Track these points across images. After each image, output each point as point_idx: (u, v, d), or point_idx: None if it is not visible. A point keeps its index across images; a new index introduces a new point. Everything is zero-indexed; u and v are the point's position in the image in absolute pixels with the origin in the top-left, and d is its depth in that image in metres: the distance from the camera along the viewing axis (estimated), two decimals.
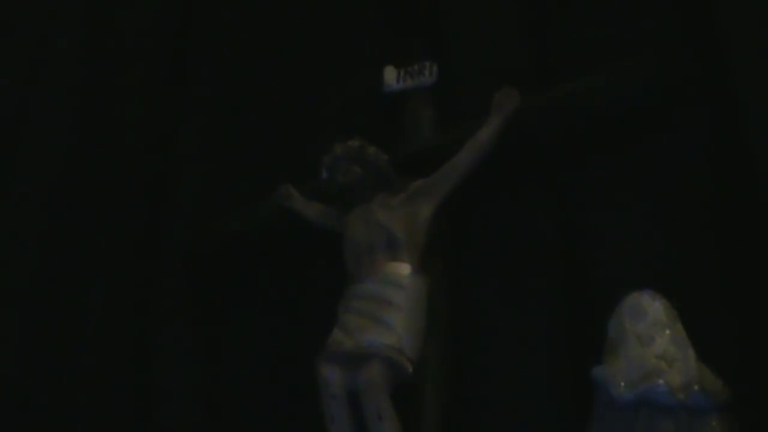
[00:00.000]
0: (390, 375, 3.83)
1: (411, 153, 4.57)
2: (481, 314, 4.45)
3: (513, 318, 4.37)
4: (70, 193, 5.50)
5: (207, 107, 5.81)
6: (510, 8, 4.94)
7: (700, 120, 4.18)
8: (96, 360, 5.21)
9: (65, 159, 5.60)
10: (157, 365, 5.27)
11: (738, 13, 3.99)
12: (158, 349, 5.30)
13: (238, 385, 5.19)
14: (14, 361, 5.09)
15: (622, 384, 3.36)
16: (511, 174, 4.52)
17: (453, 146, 4.23)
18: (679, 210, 4.14)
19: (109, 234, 5.48)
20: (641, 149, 4.30)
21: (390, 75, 4.83)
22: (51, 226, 5.41)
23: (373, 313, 3.92)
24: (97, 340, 5.27)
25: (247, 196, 5.27)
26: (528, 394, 4.23)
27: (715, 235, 4.05)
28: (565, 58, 4.68)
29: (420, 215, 4.15)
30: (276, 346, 5.14)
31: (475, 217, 4.63)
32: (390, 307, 3.92)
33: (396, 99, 4.85)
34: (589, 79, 4.23)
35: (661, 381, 3.32)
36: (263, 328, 5.24)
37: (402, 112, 4.83)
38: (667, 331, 3.44)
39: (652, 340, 3.42)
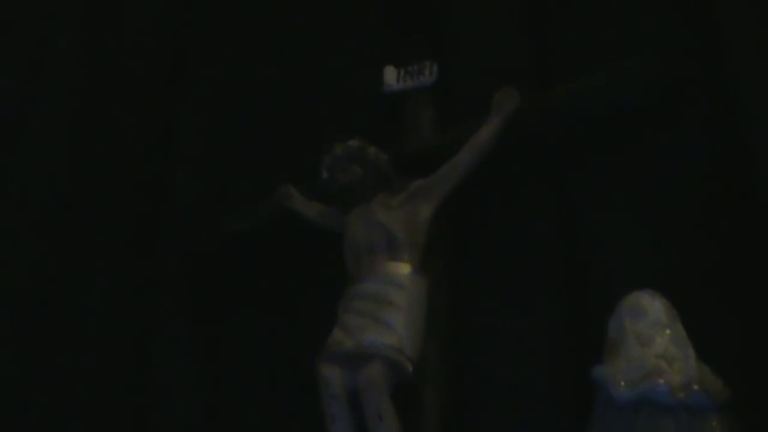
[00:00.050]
0: (390, 375, 3.83)
1: (411, 153, 4.57)
2: (481, 314, 4.45)
3: (513, 318, 4.37)
4: (70, 193, 5.50)
5: (207, 107, 5.81)
6: (510, 8, 4.94)
7: (700, 120, 4.18)
8: (96, 360, 5.21)
9: (65, 159, 5.59)
10: (157, 365, 5.27)
11: (738, 13, 4.00)
12: (158, 349, 5.30)
13: (238, 385, 5.19)
14: (14, 361, 5.08)
15: (622, 383, 3.36)
16: (511, 174, 4.52)
17: (453, 146, 4.24)
18: (679, 210, 4.14)
19: (109, 234, 5.47)
20: (641, 149, 4.30)
21: (390, 75, 4.83)
22: (51, 226, 5.41)
23: (374, 313, 3.92)
24: (97, 340, 5.27)
25: (247, 196, 5.27)
26: (528, 394, 4.23)
27: (715, 235, 4.05)
28: (565, 58, 4.68)
29: (420, 215, 4.15)
30: (276, 346, 5.14)
31: (475, 217, 4.63)
32: (390, 306, 3.92)
33: (396, 99, 4.85)
34: (589, 79, 4.23)
35: (661, 380, 3.32)
36: (263, 328, 5.24)
37: (402, 112, 4.83)
38: (667, 331, 3.44)
39: (652, 340, 3.42)
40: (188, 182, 5.63)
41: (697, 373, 3.35)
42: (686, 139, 4.18)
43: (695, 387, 3.31)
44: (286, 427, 4.84)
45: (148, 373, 5.25)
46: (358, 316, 3.96)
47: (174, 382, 5.21)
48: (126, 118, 5.74)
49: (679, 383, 3.31)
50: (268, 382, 5.07)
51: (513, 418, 4.21)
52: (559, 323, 4.30)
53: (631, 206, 4.27)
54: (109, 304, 5.36)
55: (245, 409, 5.09)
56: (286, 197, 4.72)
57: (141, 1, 6.11)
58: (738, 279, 3.92)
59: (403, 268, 4.03)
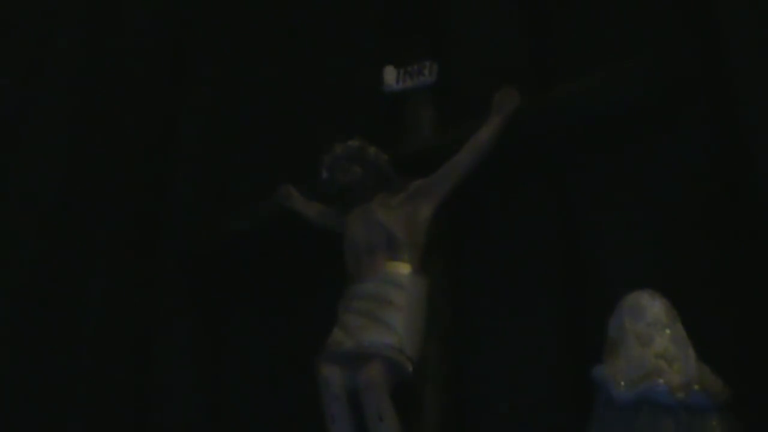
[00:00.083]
0: (390, 375, 3.83)
1: (411, 153, 4.58)
2: (481, 314, 4.45)
3: (513, 318, 4.37)
4: (70, 192, 5.50)
5: (207, 107, 5.81)
6: (510, 8, 4.94)
7: (700, 120, 4.18)
8: (96, 360, 5.21)
9: (65, 159, 5.60)
10: (157, 365, 5.27)
11: (738, 13, 3.99)
12: (158, 349, 5.30)
13: (238, 385, 5.19)
14: (14, 361, 5.08)
15: (622, 383, 3.36)
16: (511, 174, 4.52)
17: (453, 146, 4.23)
18: (678, 210, 4.14)
19: (109, 234, 5.48)
20: (641, 149, 4.30)
21: (390, 75, 4.83)
22: (51, 226, 5.41)
23: (374, 313, 3.91)
24: (97, 340, 5.27)
25: (247, 196, 5.27)
26: (528, 394, 4.23)
27: (715, 235, 4.05)
28: (565, 58, 4.68)
29: (420, 215, 4.15)
30: (276, 346, 5.14)
31: (475, 217, 4.63)
32: (390, 306, 3.92)
33: (396, 99, 4.85)
34: (589, 79, 4.24)
35: (661, 380, 3.31)
36: (263, 328, 5.24)
37: (402, 112, 4.83)
38: (667, 331, 3.44)
39: (652, 340, 3.42)
40: (188, 182, 5.63)
41: (697, 373, 3.34)
42: (686, 139, 4.18)
43: (695, 387, 3.31)
44: (286, 427, 4.84)
45: (148, 373, 5.25)
46: (358, 316, 3.96)
47: (174, 382, 5.21)
48: (126, 118, 5.74)
49: (679, 383, 3.31)
50: (268, 382, 5.07)
51: (513, 418, 4.21)
52: (559, 323, 4.30)
53: (631, 206, 4.27)
54: (109, 304, 5.36)
55: (245, 410, 5.09)
56: (286, 197, 4.72)
57: (141, 1, 6.11)
58: (738, 279, 3.92)
59: (403, 268, 4.03)
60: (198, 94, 5.85)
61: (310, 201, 4.65)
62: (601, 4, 4.62)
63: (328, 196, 4.54)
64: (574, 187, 4.51)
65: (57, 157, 5.59)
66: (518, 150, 4.34)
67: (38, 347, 5.13)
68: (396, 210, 4.17)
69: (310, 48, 5.59)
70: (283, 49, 5.70)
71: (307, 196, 4.67)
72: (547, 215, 4.52)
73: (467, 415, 4.31)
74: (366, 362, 3.82)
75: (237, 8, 5.98)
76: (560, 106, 4.29)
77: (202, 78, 5.90)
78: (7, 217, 5.41)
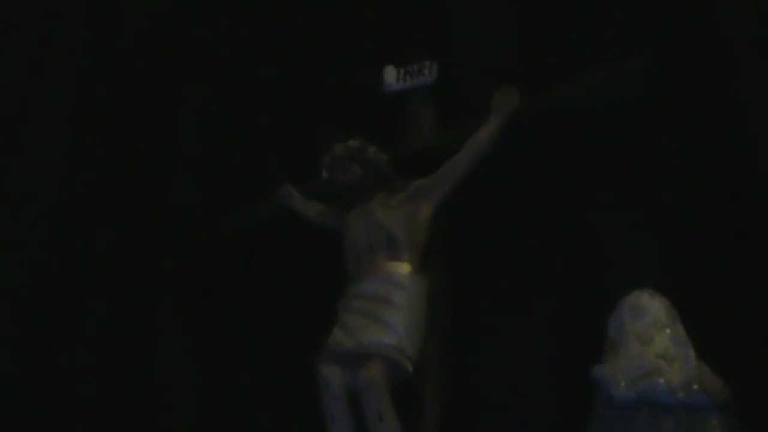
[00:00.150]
0: (390, 375, 3.83)
1: (411, 153, 4.58)
2: (481, 314, 4.45)
3: (513, 318, 4.37)
4: (70, 193, 5.49)
5: (207, 107, 5.81)
6: (510, 8, 4.94)
7: (699, 120, 4.18)
8: (96, 360, 5.21)
9: (65, 159, 5.59)
10: (157, 365, 5.27)
11: (738, 13, 3.99)
12: (158, 349, 5.30)
13: (238, 385, 5.19)
14: (14, 361, 5.08)
15: (622, 383, 3.36)
16: (511, 174, 4.52)
17: (453, 146, 4.24)
18: (678, 210, 4.14)
19: (109, 234, 5.48)
20: (641, 149, 4.30)
21: (390, 75, 4.83)
22: (51, 226, 5.41)
23: (374, 313, 3.92)
24: (97, 340, 5.27)
25: (247, 196, 5.27)
26: (528, 394, 4.23)
27: (715, 235, 4.05)
28: (565, 58, 4.69)
29: (420, 215, 4.15)
30: (276, 346, 5.14)
31: (475, 217, 4.63)
32: (390, 306, 3.92)
33: (396, 99, 4.85)
34: (589, 79, 4.24)
35: (661, 380, 3.32)
36: (263, 328, 5.24)
37: (402, 112, 4.83)
38: (667, 330, 3.44)
39: (651, 339, 3.42)
40: (188, 182, 5.63)
41: (697, 372, 3.35)
42: (686, 139, 4.18)
43: (695, 386, 3.31)
44: (286, 427, 4.84)
45: (148, 373, 5.25)
46: (358, 315, 3.96)
47: (174, 382, 5.21)
48: (126, 118, 5.74)
49: (679, 383, 3.32)
50: (268, 382, 5.07)
51: (513, 418, 4.21)
52: (559, 323, 4.30)
53: (631, 206, 4.28)
54: (109, 304, 5.36)
55: (245, 410, 5.09)
56: (286, 197, 4.72)
57: (141, 1, 6.11)
58: (738, 279, 3.93)
59: (403, 268, 4.03)
60: (198, 94, 5.85)
61: (310, 201, 4.65)
62: (601, 4, 4.62)
63: (328, 196, 4.54)
64: (574, 187, 4.51)
65: (57, 157, 5.59)
66: (518, 150, 4.35)
67: (38, 347, 5.12)
68: (396, 210, 4.17)
69: (309, 48, 5.59)
70: (283, 49, 5.70)
71: (307, 196, 4.68)
72: (547, 215, 4.52)
73: (467, 415, 4.31)
74: (366, 362, 3.82)
75: (237, 8, 5.98)
76: (560, 106, 4.29)
77: (202, 78, 5.90)
78: (7, 217, 5.41)
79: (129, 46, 5.94)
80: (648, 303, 3.51)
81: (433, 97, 4.80)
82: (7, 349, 5.10)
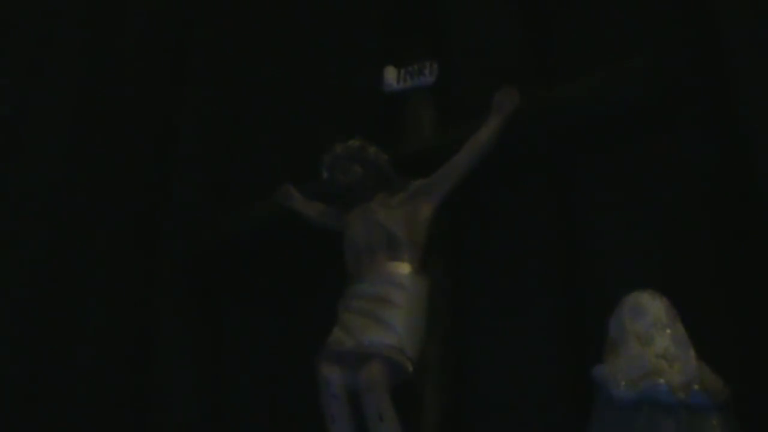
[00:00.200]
0: (390, 375, 3.82)
1: (411, 153, 4.57)
2: (481, 314, 4.45)
3: (513, 318, 4.37)
4: (70, 193, 5.50)
5: (207, 107, 5.81)
6: (510, 8, 4.94)
7: (700, 120, 4.18)
8: (96, 360, 5.21)
9: (65, 159, 5.60)
10: (157, 365, 5.27)
11: (738, 13, 4.00)
12: (158, 349, 5.30)
13: (238, 385, 5.19)
14: (14, 361, 5.09)
15: (623, 383, 3.36)
16: (511, 174, 4.52)
17: (453, 146, 4.23)
18: (679, 210, 4.15)
19: (109, 234, 5.48)
20: (641, 149, 4.30)
21: (390, 75, 4.83)
22: (51, 226, 5.41)
23: (374, 313, 3.91)
24: (97, 340, 5.27)
25: (247, 196, 5.27)
26: (528, 394, 4.23)
27: (715, 235, 4.05)
28: (565, 58, 4.69)
29: (420, 215, 4.15)
30: (276, 346, 5.14)
31: (475, 217, 4.63)
32: (390, 306, 3.92)
33: (396, 99, 4.85)
34: (590, 79, 4.23)
35: (661, 380, 3.32)
36: (263, 328, 5.25)
37: (402, 112, 4.83)
38: (668, 331, 3.44)
39: (652, 340, 3.42)
40: (188, 182, 5.63)
41: (698, 372, 3.35)
42: (686, 139, 4.19)
43: (695, 386, 3.31)
44: (286, 427, 4.85)
45: (148, 373, 5.25)
46: (358, 315, 3.95)
47: (174, 382, 5.21)
48: (126, 118, 5.74)
49: (680, 383, 3.32)
50: (268, 382, 5.07)
51: (513, 418, 4.21)
52: (559, 323, 4.30)
53: (631, 206, 4.28)
54: (109, 304, 5.36)
55: (245, 409, 5.09)
56: (286, 197, 4.72)
57: (141, 1, 6.11)
58: (738, 279, 3.93)
59: (403, 268, 4.03)
60: (198, 94, 5.85)
61: (310, 201, 4.65)
62: (601, 4, 4.62)
63: (328, 196, 4.54)
64: (574, 187, 4.51)
65: (57, 157, 5.59)
66: (518, 150, 4.34)
67: (38, 347, 5.13)
68: (396, 210, 4.17)
69: (310, 48, 5.59)
70: (283, 49, 5.70)
71: (308, 196, 4.67)
72: (547, 215, 4.52)
73: (467, 415, 4.31)
74: (366, 362, 3.82)
75: (237, 8, 5.98)
76: (560, 106, 4.29)
77: (202, 78, 5.90)
78: (7, 217, 5.41)
79: (129, 46, 5.94)
80: (648, 303, 3.51)
81: (433, 97, 4.80)
82: (7, 349, 5.11)
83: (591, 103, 4.23)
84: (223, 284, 5.43)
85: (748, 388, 3.49)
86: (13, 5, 5.89)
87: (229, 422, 5.10)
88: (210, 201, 5.57)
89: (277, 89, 5.62)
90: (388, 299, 3.93)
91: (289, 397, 4.88)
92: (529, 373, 4.25)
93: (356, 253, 4.14)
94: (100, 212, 5.51)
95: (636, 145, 4.31)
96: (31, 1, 5.93)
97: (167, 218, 5.55)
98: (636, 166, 4.31)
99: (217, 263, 5.38)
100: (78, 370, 5.15)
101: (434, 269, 4.23)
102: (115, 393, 5.16)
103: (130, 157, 5.68)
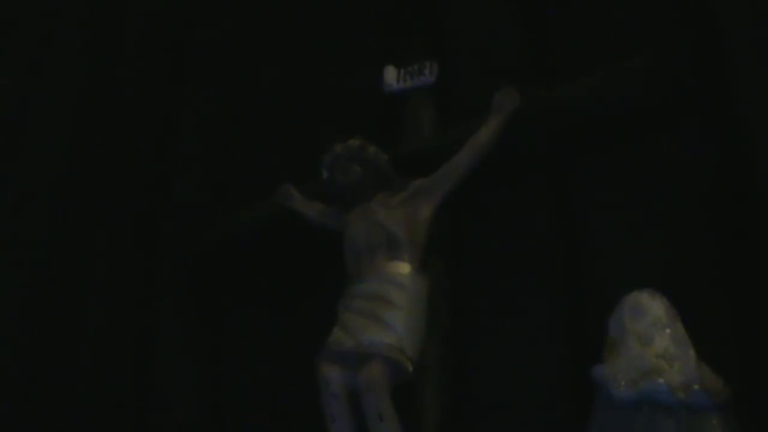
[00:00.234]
0: (390, 375, 3.82)
1: (411, 153, 4.58)
2: (481, 314, 4.45)
3: (513, 318, 4.37)
4: (70, 192, 5.50)
5: (207, 107, 5.81)
6: (510, 8, 4.94)
7: (700, 120, 4.18)
8: (96, 360, 5.21)
9: (65, 159, 5.60)
10: (157, 365, 5.27)
11: (738, 13, 4.00)
12: (158, 349, 5.30)
13: (238, 385, 5.19)
14: (14, 361, 5.08)
15: (623, 383, 3.36)
16: (511, 174, 4.52)
17: (453, 146, 4.23)
18: (679, 210, 4.15)
19: (109, 234, 5.48)
20: (641, 149, 4.30)
21: (390, 75, 4.83)
22: (51, 226, 5.41)
23: (374, 313, 3.91)
24: (97, 340, 5.27)
25: (247, 196, 5.27)
26: (528, 394, 4.23)
27: (715, 235, 4.06)
28: (565, 58, 4.68)
29: (420, 215, 4.15)
30: (276, 346, 5.14)
31: (475, 217, 4.63)
32: (390, 306, 3.91)
33: (396, 99, 4.85)
34: (589, 79, 4.24)
35: (661, 380, 3.32)
36: (263, 328, 5.25)
37: (402, 112, 4.83)
38: (668, 330, 3.44)
39: (652, 339, 3.42)
40: (188, 182, 5.63)
41: (697, 372, 3.35)
42: (686, 139, 4.19)
43: (695, 386, 3.31)
44: (286, 427, 4.84)
45: (148, 373, 5.25)
46: (358, 315, 3.95)
47: (174, 382, 5.21)
48: (126, 118, 5.74)
49: (680, 383, 3.32)
50: (268, 382, 5.07)
51: (513, 418, 4.21)
52: (559, 323, 4.30)
53: (631, 206, 4.28)
54: (109, 304, 5.36)
55: (245, 409, 5.09)
56: (286, 197, 4.72)
57: (141, 1, 6.11)
58: (738, 279, 3.93)
59: (404, 268, 4.03)
60: (198, 94, 5.85)
61: (310, 201, 4.65)
62: (601, 4, 4.62)
63: (328, 196, 4.54)
64: (574, 187, 4.51)
65: (57, 157, 5.59)
66: (518, 150, 4.34)
67: (38, 347, 5.13)
68: (396, 210, 4.17)
69: (310, 48, 5.59)
70: (283, 49, 5.70)
71: (308, 196, 4.67)
72: (547, 215, 4.52)
73: (467, 415, 4.31)
74: (366, 362, 3.82)
75: (237, 8, 5.98)
76: (560, 106, 4.29)
77: (202, 78, 5.91)
78: (7, 217, 5.41)
79: (129, 46, 5.94)
80: (648, 303, 3.51)
81: (433, 97, 4.80)
82: (7, 349, 5.11)
83: (591, 103, 4.23)
84: (223, 284, 5.43)
85: (748, 388, 3.49)
86: (13, 5, 5.89)
87: (229, 422, 5.10)
88: (210, 201, 5.57)
89: (277, 89, 5.62)
90: (388, 299, 3.93)
91: (289, 397, 4.88)
92: (529, 373, 4.24)
93: (356, 253, 4.14)
94: (100, 212, 5.51)
95: (636, 145, 4.31)
96: (31, 1, 5.93)
97: (167, 218, 5.55)
98: (636, 166, 4.31)
99: (217, 263, 5.38)
100: (78, 370, 5.15)
101: (434, 269, 4.23)
102: (115, 393, 5.16)
103: (130, 157, 5.68)
